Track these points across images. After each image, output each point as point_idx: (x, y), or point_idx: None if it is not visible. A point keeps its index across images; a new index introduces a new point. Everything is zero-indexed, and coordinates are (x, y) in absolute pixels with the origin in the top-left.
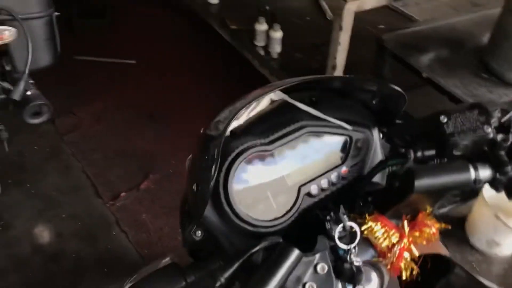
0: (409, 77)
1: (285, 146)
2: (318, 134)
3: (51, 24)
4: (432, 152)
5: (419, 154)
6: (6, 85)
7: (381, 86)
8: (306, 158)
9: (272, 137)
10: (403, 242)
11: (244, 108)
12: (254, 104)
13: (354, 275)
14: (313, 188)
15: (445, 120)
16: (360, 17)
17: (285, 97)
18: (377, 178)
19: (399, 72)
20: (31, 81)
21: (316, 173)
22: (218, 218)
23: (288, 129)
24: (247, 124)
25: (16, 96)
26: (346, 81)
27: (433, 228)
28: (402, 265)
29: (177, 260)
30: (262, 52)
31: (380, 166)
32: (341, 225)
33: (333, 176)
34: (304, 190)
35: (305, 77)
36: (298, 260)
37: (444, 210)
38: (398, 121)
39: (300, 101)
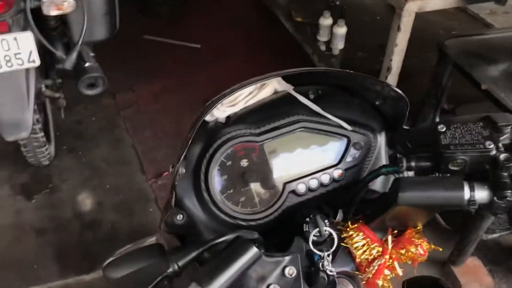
0: (471, 89)
1: (276, 139)
2: (313, 131)
3: (112, 0)
4: (427, 164)
5: (412, 163)
6: (59, 54)
7: (382, 86)
8: (298, 155)
9: (263, 128)
10: (384, 257)
11: (233, 94)
12: (255, 92)
13: (326, 285)
14: (300, 187)
15: (443, 129)
16: (433, 20)
17: (289, 89)
18: (378, 186)
19: (461, 83)
20: (92, 54)
21: (306, 171)
22: (199, 206)
23: (281, 121)
24: (242, 112)
25: (68, 65)
26: (346, 76)
27: (420, 248)
28: (380, 282)
29: (163, 241)
30: (323, 48)
31: (374, 173)
32: (316, 229)
33: (325, 177)
34: (289, 188)
35: (304, 68)
36: (255, 259)
37: (494, 236)
38: (405, 127)
39: (304, 95)
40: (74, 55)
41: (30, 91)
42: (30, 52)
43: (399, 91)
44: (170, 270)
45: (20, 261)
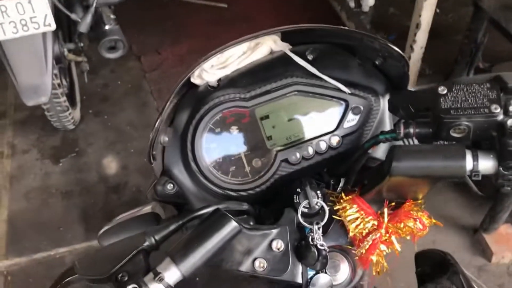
0: (508, 46)
1: (268, 104)
2: (308, 94)
3: None
4: (427, 130)
5: (410, 130)
6: (74, 16)
7: (380, 44)
8: (292, 120)
9: (253, 92)
10: (379, 231)
11: (224, 54)
12: (248, 53)
13: (316, 260)
14: (294, 155)
15: (444, 91)
16: None
17: (285, 48)
18: (380, 154)
19: (497, 39)
20: (113, 16)
21: (300, 138)
22: (187, 176)
23: (273, 85)
24: (234, 75)
25: (82, 28)
26: (343, 33)
27: (419, 223)
28: (374, 258)
29: (160, 210)
30: (352, 4)
31: (373, 139)
32: (306, 201)
33: (320, 144)
34: (282, 156)
35: (299, 25)
36: (234, 233)
37: None
38: (410, 90)
39: (301, 55)
40: (88, 18)
41: (47, 55)
42: (45, 16)
43: (397, 49)
44: (147, 243)
45: (46, 223)
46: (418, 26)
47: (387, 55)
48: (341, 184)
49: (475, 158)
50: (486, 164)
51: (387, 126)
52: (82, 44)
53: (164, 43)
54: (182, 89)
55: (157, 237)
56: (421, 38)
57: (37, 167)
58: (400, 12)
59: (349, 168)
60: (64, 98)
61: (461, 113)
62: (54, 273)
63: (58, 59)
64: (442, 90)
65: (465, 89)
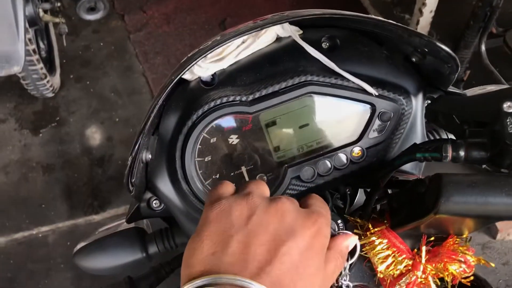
0: None
1: (274, 108)
2: (325, 96)
3: None
4: (482, 154)
5: (461, 153)
6: None
7: (422, 40)
8: (304, 128)
9: (257, 94)
10: (415, 274)
11: (217, 49)
12: (249, 41)
13: None
14: (307, 172)
15: (511, 109)
16: None
17: (294, 35)
18: (408, 166)
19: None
20: None
21: (314, 151)
22: (176, 195)
23: (282, 84)
24: (232, 69)
25: None
26: (375, 24)
27: (463, 265)
28: None
29: (145, 223)
30: None
31: (406, 156)
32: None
33: (339, 158)
34: (293, 172)
35: (321, 11)
36: None
37: None
38: (452, 90)
39: (316, 44)
40: None
41: (18, 19)
42: None
43: (448, 50)
44: None
45: (27, 200)
46: (420, 11)
47: (427, 52)
48: (358, 196)
49: None
50: None
51: (419, 133)
52: (59, 4)
53: (149, 1)
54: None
55: None
56: (431, 1)
57: (15, 138)
58: None
59: (371, 185)
60: (41, 65)
61: None
62: (37, 254)
63: (33, 21)
64: (509, 107)
65: None
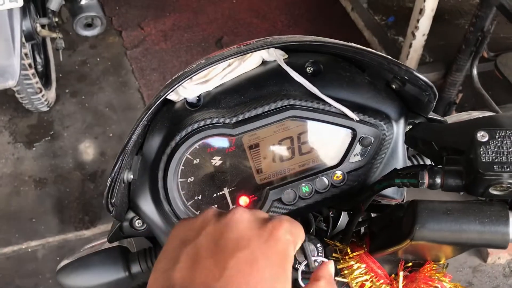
0: None
1: (257, 131)
2: (307, 120)
3: None
4: (457, 182)
5: (437, 180)
6: None
7: (400, 69)
8: (286, 151)
9: (241, 117)
10: None
11: (201, 71)
12: (235, 64)
13: None
14: (288, 195)
15: (485, 139)
16: None
17: (279, 59)
18: (389, 190)
19: (505, 28)
20: None
21: (296, 174)
22: (159, 216)
23: (265, 107)
24: (217, 92)
25: (53, 6)
26: (355, 51)
27: None
28: None
29: (128, 242)
30: None
31: (386, 181)
32: (305, 262)
33: (320, 182)
34: (274, 195)
35: (306, 37)
36: None
37: None
38: (432, 116)
39: (299, 68)
40: None
41: (15, 34)
42: None
43: (425, 79)
44: None
45: (18, 214)
46: (421, 12)
47: (407, 79)
48: (341, 219)
49: None
50: None
51: (400, 158)
52: (57, 19)
53: (147, 17)
54: (155, 107)
55: None
56: (424, 25)
57: (8, 151)
58: None
59: (352, 208)
60: (36, 79)
61: (507, 169)
62: (25, 268)
63: (30, 36)
64: (482, 137)
65: (511, 137)
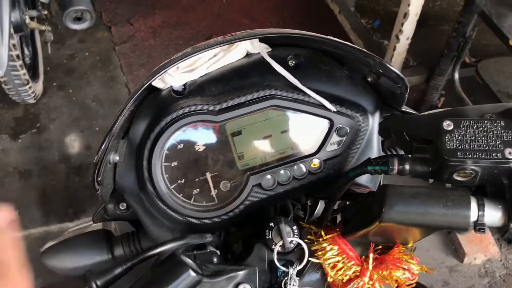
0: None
1: (240, 118)
2: (287, 110)
3: None
4: (424, 168)
5: (406, 166)
6: None
7: (375, 62)
8: (267, 138)
9: (224, 104)
10: (362, 279)
11: (187, 59)
12: (220, 55)
13: None
14: (267, 180)
15: (450, 127)
16: None
17: (263, 52)
18: (364, 179)
19: (486, 35)
20: None
21: (276, 160)
22: (143, 198)
23: (248, 96)
24: (202, 80)
25: None
26: (332, 44)
27: (406, 272)
28: None
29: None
30: None
31: (359, 169)
32: (281, 241)
33: (299, 168)
34: (254, 180)
35: (287, 30)
36: (193, 284)
37: None
38: (405, 109)
39: (282, 61)
40: None
41: (3, 24)
42: None
43: (397, 71)
44: None
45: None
46: (406, 16)
47: (381, 72)
48: (318, 207)
49: (481, 208)
50: (493, 216)
51: (375, 149)
52: (46, 12)
53: (137, 13)
54: (141, 93)
55: (99, 283)
56: (408, 28)
57: None
58: None
59: (328, 195)
60: (24, 71)
61: (469, 156)
62: None
63: (19, 27)
64: (448, 125)
65: (474, 126)
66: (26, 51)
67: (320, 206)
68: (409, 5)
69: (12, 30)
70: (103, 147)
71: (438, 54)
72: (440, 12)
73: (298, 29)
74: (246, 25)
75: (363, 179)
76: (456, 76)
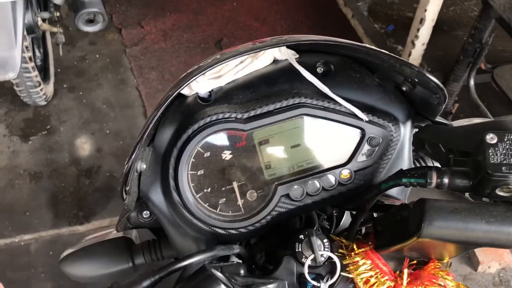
0: None
1: (268, 127)
2: (317, 118)
3: None
4: (464, 183)
5: (444, 180)
6: None
7: (412, 70)
8: (296, 148)
9: (252, 112)
10: None
11: (215, 67)
12: (247, 61)
13: None
14: (296, 191)
15: (494, 141)
16: None
17: (291, 58)
18: (394, 191)
19: (503, 40)
20: None
21: (304, 171)
22: (167, 207)
23: (277, 104)
24: (229, 87)
25: (57, 0)
26: (366, 51)
27: None
28: None
29: (133, 234)
30: None
31: (392, 181)
32: (312, 255)
33: (328, 179)
34: (282, 190)
35: (320, 37)
36: None
37: None
38: (439, 120)
39: (311, 68)
40: None
41: (17, 26)
42: None
43: (436, 81)
44: None
45: (11, 207)
46: (422, 21)
47: (417, 82)
48: (344, 218)
49: None
50: None
51: (406, 160)
52: (58, 14)
53: (148, 16)
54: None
55: None
56: (424, 34)
57: (4, 144)
58: (400, 0)
59: (358, 207)
60: (36, 72)
61: None
62: (18, 262)
63: (31, 29)
64: (491, 139)
65: None
66: (38, 53)
67: (346, 216)
68: (425, 10)
69: (25, 32)
70: (133, 156)
71: (453, 60)
72: (454, 18)
73: (309, 33)
74: (256, 28)
75: (394, 191)
76: (472, 82)
